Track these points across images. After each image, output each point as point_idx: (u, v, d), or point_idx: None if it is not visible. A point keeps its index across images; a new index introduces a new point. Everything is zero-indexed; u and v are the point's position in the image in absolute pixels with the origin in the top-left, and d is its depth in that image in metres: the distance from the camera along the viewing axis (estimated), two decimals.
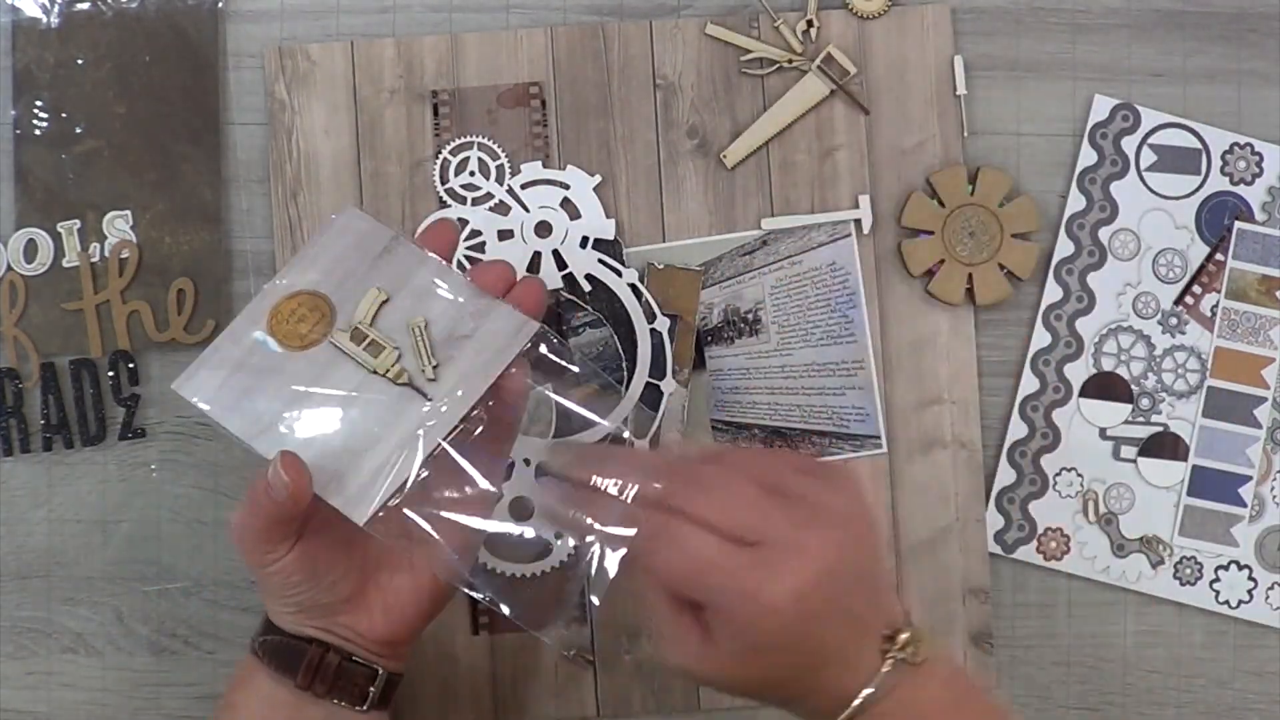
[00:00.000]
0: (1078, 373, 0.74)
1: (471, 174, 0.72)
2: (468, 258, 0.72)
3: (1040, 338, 0.74)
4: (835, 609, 0.53)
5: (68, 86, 0.73)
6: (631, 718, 0.72)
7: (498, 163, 0.73)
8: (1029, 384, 0.74)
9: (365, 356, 0.56)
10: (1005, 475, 0.74)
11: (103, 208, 0.72)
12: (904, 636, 0.54)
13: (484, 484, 0.56)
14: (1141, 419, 0.74)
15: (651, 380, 0.72)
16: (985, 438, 0.74)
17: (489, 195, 0.73)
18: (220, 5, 0.73)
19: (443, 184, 0.72)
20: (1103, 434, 0.74)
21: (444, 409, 0.55)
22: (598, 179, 0.73)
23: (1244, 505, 0.74)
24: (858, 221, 0.73)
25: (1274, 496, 0.74)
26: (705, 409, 0.73)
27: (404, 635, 0.59)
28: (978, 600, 0.73)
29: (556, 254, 0.72)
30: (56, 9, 0.73)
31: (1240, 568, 0.74)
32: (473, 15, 0.74)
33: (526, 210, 0.73)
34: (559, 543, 0.67)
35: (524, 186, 0.73)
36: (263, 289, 0.57)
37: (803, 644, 0.53)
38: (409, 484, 0.54)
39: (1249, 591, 0.74)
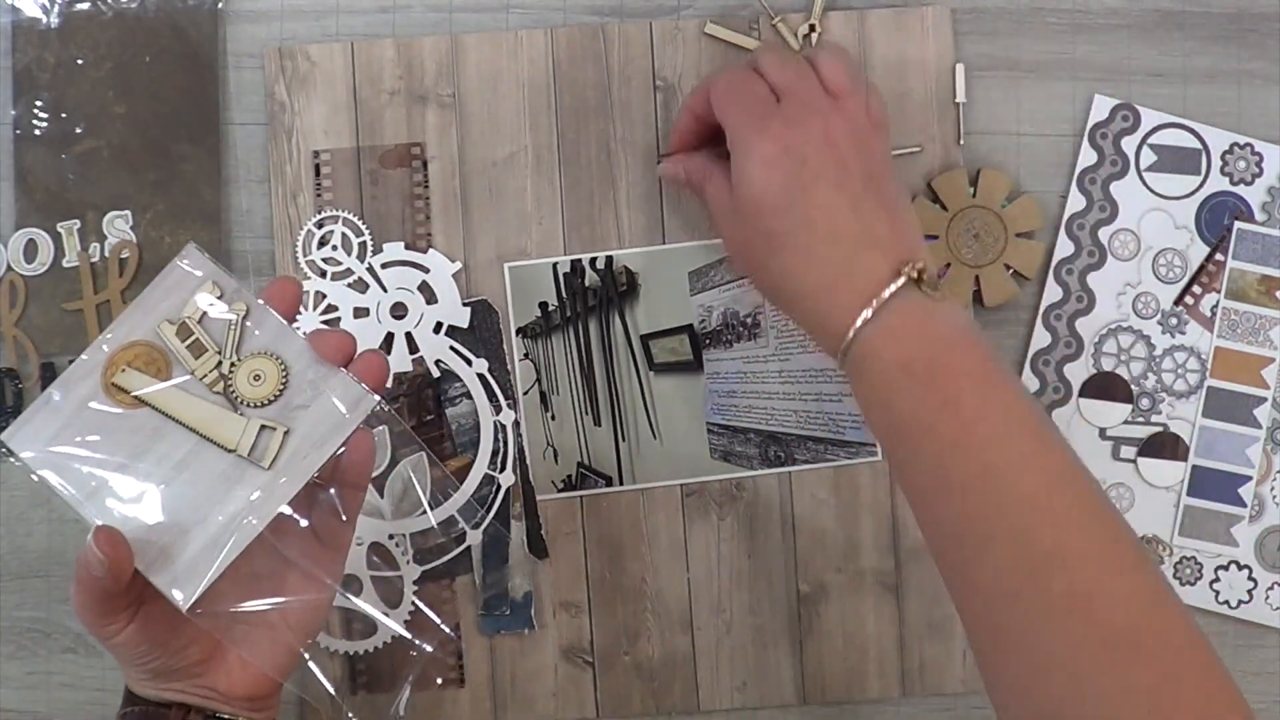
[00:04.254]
0: (1077, 373, 0.74)
1: (334, 248, 0.72)
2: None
3: (1040, 338, 0.74)
4: (831, 184, 0.60)
5: (68, 86, 0.73)
6: (631, 718, 0.73)
7: (360, 239, 0.72)
8: (1029, 384, 0.74)
9: (186, 354, 0.54)
10: None
11: (103, 208, 0.73)
12: (920, 265, 0.58)
13: (318, 571, 0.56)
14: (1141, 419, 0.74)
15: (489, 472, 0.72)
16: None
17: (349, 271, 0.72)
18: (220, 5, 0.73)
19: (304, 256, 0.72)
20: (1102, 434, 0.74)
21: (282, 482, 0.53)
22: (458, 265, 0.72)
23: (1244, 505, 0.74)
24: None
25: (1274, 496, 0.74)
26: (701, 411, 0.73)
27: (266, 690, 0.58)
28: None
29: (409, 337, 0.72)
30: (56, 9, 0.73)
31: (1240, 568, 0.74)
32: (473, 15, 0.74)
33: (384, 290, 0.72)
34: (387, 619, 0.66)
35: (384, 266, 0.72)
36: (98, 338, 0.54)
37: (793, 207, 0.60)
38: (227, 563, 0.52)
39: (1249, 591, 0.74)
